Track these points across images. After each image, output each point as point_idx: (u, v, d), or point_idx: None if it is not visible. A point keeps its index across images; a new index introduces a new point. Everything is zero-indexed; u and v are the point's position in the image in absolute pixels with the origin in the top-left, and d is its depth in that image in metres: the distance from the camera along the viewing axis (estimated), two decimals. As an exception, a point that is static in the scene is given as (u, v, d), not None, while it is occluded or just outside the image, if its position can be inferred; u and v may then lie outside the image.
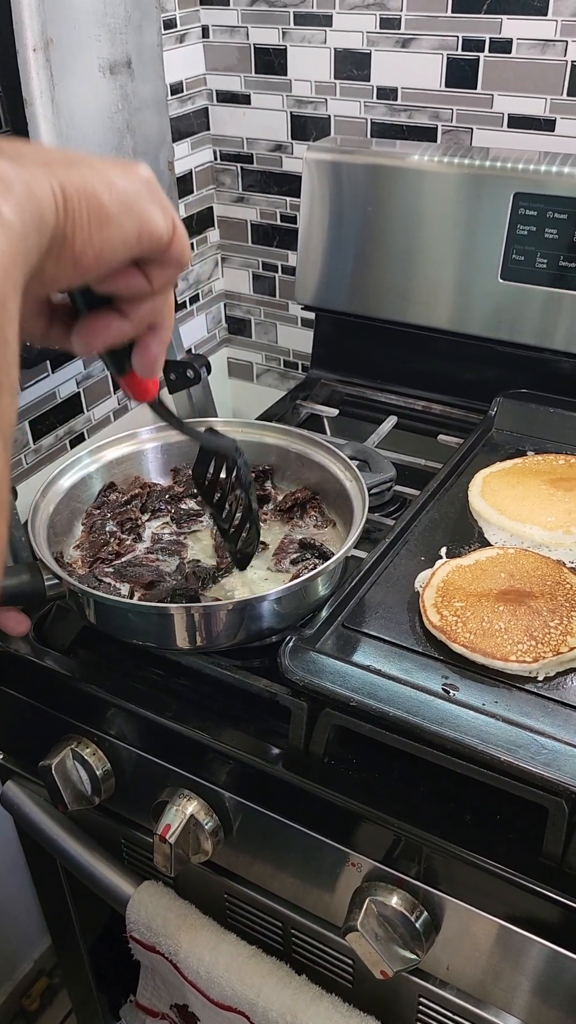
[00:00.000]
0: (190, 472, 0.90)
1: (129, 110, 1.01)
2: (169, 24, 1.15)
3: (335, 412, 1.15)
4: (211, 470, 0.73)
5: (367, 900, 0.66)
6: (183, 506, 0.90)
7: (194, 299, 1.36)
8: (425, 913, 0.66)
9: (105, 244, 0.40)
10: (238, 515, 0.75)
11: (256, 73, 1.21)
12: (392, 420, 1.09)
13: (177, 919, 0.79)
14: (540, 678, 0.69)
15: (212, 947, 0.77)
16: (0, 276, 0.32)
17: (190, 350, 1.35)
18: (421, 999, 0.73)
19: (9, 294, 0.33)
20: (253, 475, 0.91)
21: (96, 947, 1.10)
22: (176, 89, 1.20)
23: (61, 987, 1.46)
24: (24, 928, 1.38)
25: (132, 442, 0.91)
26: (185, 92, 1.22)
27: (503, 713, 0.65)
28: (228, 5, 1.18)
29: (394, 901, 0.66)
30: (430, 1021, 0.74)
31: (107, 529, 0.86)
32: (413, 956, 0.66)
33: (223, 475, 0.74)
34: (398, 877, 0.67)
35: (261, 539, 0.86)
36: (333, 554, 0.82)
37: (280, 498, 0.91)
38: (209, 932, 0.78)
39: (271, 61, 1.19)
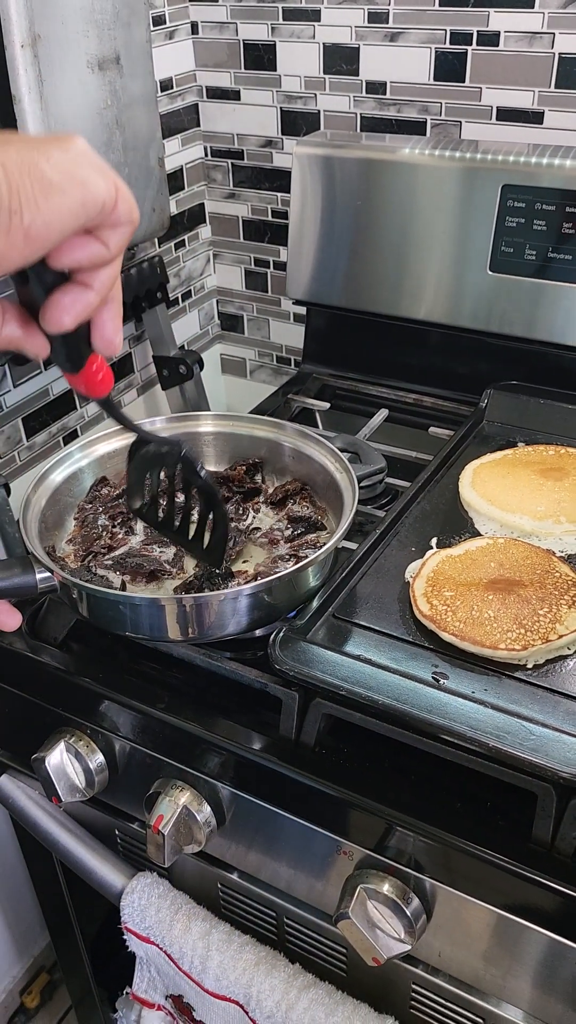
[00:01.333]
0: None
1: (118, 106, 1.01)
2: (158, 20, 1.16)
3: (327, 406, 1.15)
4: (148, 478, 0.72)
5: (358, 888, 0.67)
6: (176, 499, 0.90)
7: (186, 295, 1.37)
8: (416, 900, 0.67)
9: (52, 213, 0.42)
10: (194, 514, 0.74)
11: (246, 69, 1.21)
12: (383, 413, 1.09)
13: (171, 909, 0.80)
14: (529, 665, 0.70)
15: (206, 937, 0.77)
16: None
17: (183, 346, 1.36)
18: (414, 986, 0.73)
19: None
20: (243, 468, 0.91)
21: (95, 942, 1.10)
22: (166, 85, 1.20)
23: (61, 983, 1.47)
24: (24, 924, 1.39)
25: (123, 437, 0.92)
26: (175, 88, 1.23)
27: (492, 700, 0.66)
28: (217, 1, 1.18)
29: (385, 888, 0.66)
30: (423, 1008, 0.74)
31: (99, 523, 0.86)
32: (404, 943, 0.67)
33: (164, 480, 0.73)
34: (389, 865, 0.67)
35: (255, 526, 0.87)
36: (323, 525, 0.83)
37: (271, 490, 0.91)
38: (203, 922, 0.79)
39: (260, 57, 1.19)
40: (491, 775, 0.63)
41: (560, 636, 0.70)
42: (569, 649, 0.71)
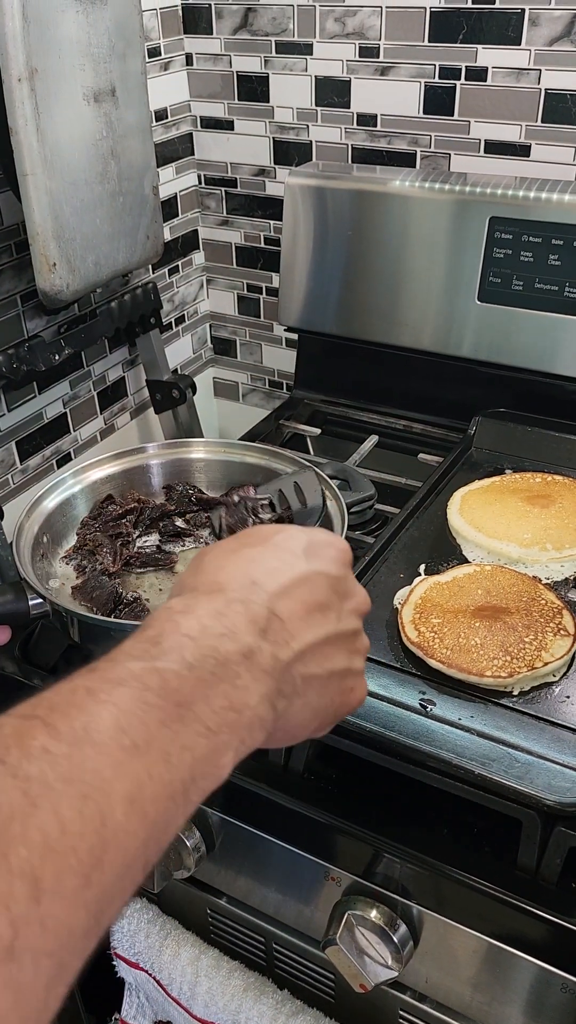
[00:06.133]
0: (183, 490, 0.92)
1: (114, 137, 1.03)
2: (153, 52, 1.18)
3: (318, 431, 1.16)
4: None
5: (346, 914, 0.67)
6: (178, 523, 0.90)
7: (180, 320, 1.38)
8: (403, 926, 0.67)
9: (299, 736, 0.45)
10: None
11: (239, 100, 1.23)
12: (373, 439, 1.11)
13: (160, 935, 0.80)
14: (515, 692, 0.71)
15: (195, 962, 0.78)
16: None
17: (176, 370, 1.37)
18: (401, 1012, 0.74)
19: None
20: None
21: (83, 969, 1.10)
22: (161, 115, 1.22)
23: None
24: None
25: (116, 462, 0.93)
26: (170, 118, 1.25)
27: (478, 727, 0.67)
28: (211, 34, 1.21)
29: (373, 915, 0.67)
30: (410, 1034, 0.75)
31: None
32: (392, 969, 0.67)
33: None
34: (376, 891, 0.68)
35: None
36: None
37: (266, 517, 0.92)
38: (192, 948, 0.79)
39: (254, 88, 1.21)
40: (477, 802, 0.63)
41: (546, 663, 0.71)
42: (554, 676, 0.72)
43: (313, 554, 0.46)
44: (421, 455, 1.08)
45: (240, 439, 1.06)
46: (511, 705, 0.69)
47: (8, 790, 0.27)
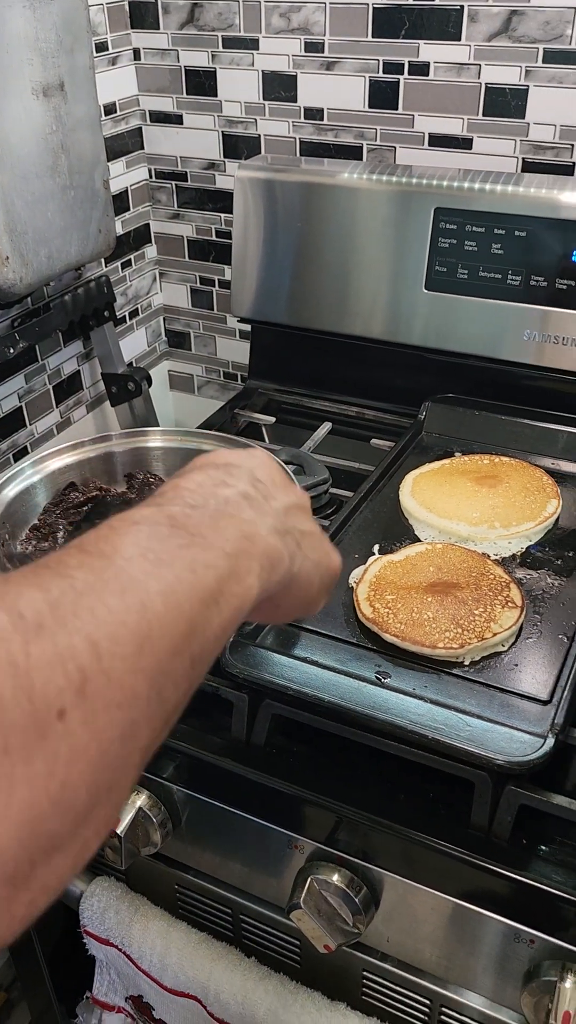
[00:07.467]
0: (143, 478, 0.94)
1: (63, 131, 1.04)
2: (101, 47, 1.19)
3: (272, 420, 1.18)
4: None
5: (309, 879, 0.70)
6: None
7: (133, 314, 1.39)
8: (364, 888, 0.70)
9: (285, 615, 0.47)
10: None
11: (187, 94, 1.25)
12: (327, 426, 1.13)
13: (129, 911, 0.82)
14: (466, 663, 0.74)
15: (164, 936, 0.80)
16: (226, 628, 0.37)
17: (131, 364, 1.38)
18: (365, 972, 0.77)
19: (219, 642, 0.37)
20: None
21: (54, 957, 1.11)
22: (110, 109, 1.23)
23: (19, 1001, 1.46)
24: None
25: (74, 452, 0.94)
26: (119, 112, 1.26)
27: (432, 696, 0.70)
28: (159, 28, 1.22)
29: (335, 878, 0.70)
30: (373, 992, 0.77)
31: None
32: (354, 930, 0.70)
33: None
34: (339, 856, 0.70)
35: None
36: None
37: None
38: (161, 922, 0.81)
39: (202, 83, 1.23)
40: (431, 766, 0.66)
41: (495, 634, 0.74)
42: (503, 646, 0.75)
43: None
44: (373, 440, 1.11)
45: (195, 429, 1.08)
46: (463, 674, 0.73)
47: (56, 580, 0.31)
